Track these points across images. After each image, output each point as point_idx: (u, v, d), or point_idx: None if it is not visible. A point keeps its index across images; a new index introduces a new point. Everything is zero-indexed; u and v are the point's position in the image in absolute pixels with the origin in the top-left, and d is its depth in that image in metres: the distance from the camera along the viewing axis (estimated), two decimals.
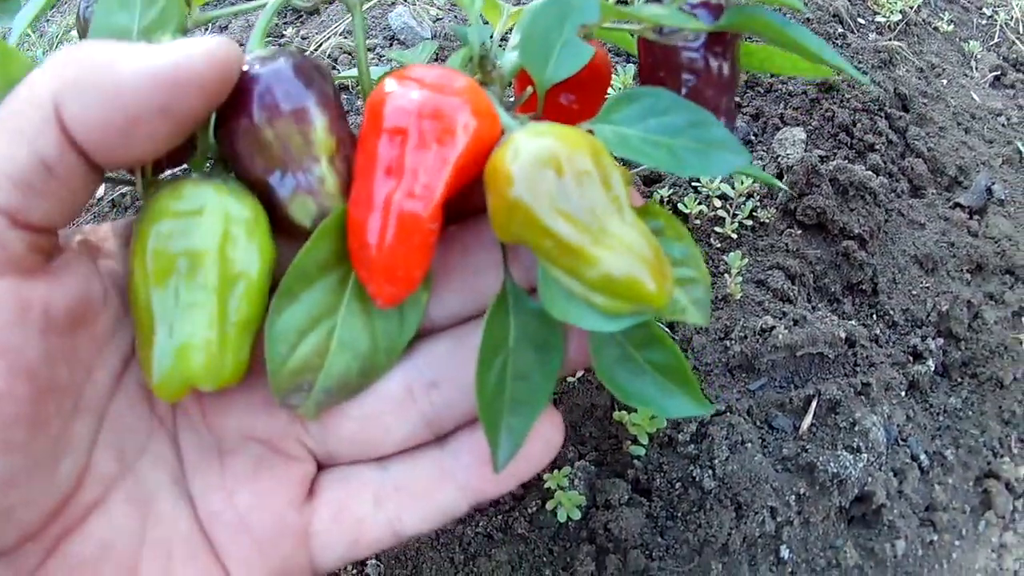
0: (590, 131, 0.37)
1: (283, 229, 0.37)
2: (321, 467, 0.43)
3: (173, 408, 0.41)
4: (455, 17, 1.30)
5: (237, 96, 0.35)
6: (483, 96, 0.36)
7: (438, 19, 1.30)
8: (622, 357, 0.38)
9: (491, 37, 0.43)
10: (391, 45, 1.28)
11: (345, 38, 1.28)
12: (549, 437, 0.41)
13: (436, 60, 1.04)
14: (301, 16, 1.44)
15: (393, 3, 1.33)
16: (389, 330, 0.40)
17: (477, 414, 0.40)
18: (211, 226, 0.34)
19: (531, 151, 0.33)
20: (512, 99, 0.45)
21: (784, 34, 0.35)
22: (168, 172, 0.41)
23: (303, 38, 1.33)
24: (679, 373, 0.38)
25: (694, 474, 0.77)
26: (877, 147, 1.06)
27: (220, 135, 0.37)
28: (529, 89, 0.40)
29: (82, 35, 0.45)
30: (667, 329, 0.86)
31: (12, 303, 0.31)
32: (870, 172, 1.01)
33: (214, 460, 0.40)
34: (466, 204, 0.39)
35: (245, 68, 0.36)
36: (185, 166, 0.39)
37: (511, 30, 0.53)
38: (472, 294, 0.42)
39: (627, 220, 0.34)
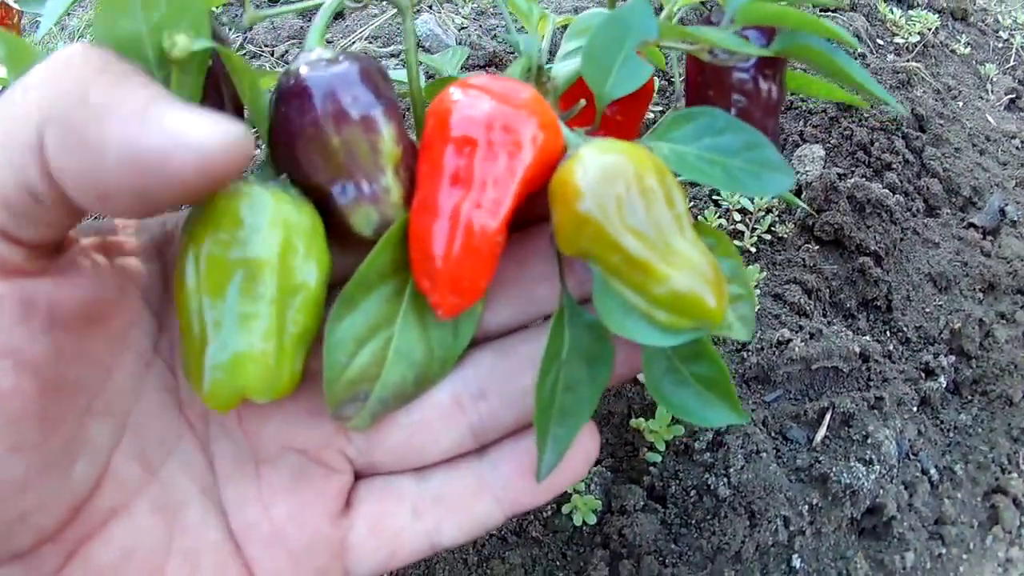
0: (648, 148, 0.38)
1: (338, 237, 0.36)
2: (358, 477, 0.42)
3: (205, 414, 0.39)
4: (480, 26, 1.32)
5: (300, 99, 0.34)
6: (548, 109, 0.36)
7: (463, 27, 1.32)
8: (669, 370, 0.39)
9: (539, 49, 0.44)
10: (417, 51, 1.29)
11: (371, 43, 1.30)
12: (588, 450, 0.41)
13: (464, 68, 1.06)
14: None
15: (419, 10, 1.35)
16: (444, 339, 0.40)
17: (522, 424, 0.41)
18: (272, 235, 0.33)
19: (601, 166, 0.34)
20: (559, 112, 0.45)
21: (833, 63, 0.36)
22: None
23: (328, 42, 1.35)
24: (721, 386, 0.38)
25: (709, 482, 0.78)
26: (894, 166, 1.07)
27: (276, 138, 0.35)
28: (581, 102, 0.41)
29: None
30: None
31: (14, 302, 0.30)
32: (887, 190, 1.03)
33: (250, 470, 0.39)
34: (524, 216, 0.39)
35: (306, 70, 0.35)
36: None
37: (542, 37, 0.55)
38: (523, 305, 0.42)
39: (688, 237, 0.34)
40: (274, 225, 0.33)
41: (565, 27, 0.51)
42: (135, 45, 0.31)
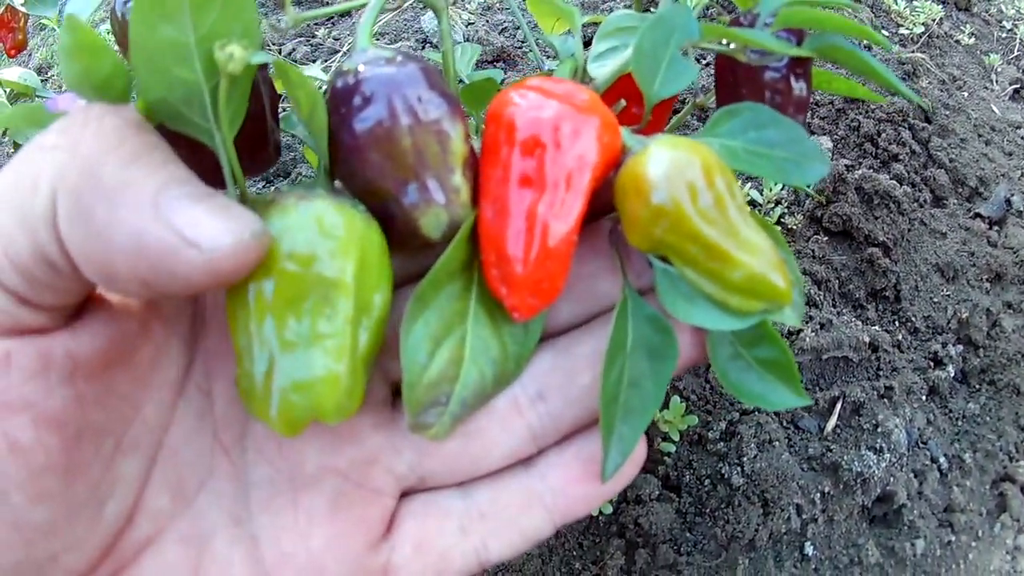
0: None
1: (397, 244, 0.35)
2: (402, 496, 0.40)
3: (242, 439, 0.38)
4: (487, 21, 1.32)
5: (363, 101, 0.33)
6: (608, 110, 0.36)
7: (470, 23, 1.32)
8: (734, 355, 0.39)
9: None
10: (423, 48, 1.30)
11: (377, 39, 1.30)
12: (636, 454, 0.39)
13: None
14: (333, 17, 1.46)
15: (425, 7, 1.35)
16: (516, 335, 0.39)
17: (582, 425, 0.40)
18: (348, 254, 0.32)
19: (673, 160, 0.35)
20: None
21: (864, 63, 0.38)
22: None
23: (335, 39, 1.35)
24: (784, 368, 0.39)
25: (723, 471, 0.79)
26: (901, 157, 1.08)
27: (334, 143, 0.34)
28: (622, 102, 0.42)
29: (117, 37, 0.41)
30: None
31: (31, 358, 0.29)
32: (894, 181, 1.03)
33: (286, 497, 0.38)
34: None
35: (367, 70, 0.34)
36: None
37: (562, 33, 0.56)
38: (583, 303, 0.41)
39: (751, 225, 0.36)
40: (350, 244, 0.32)
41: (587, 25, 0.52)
42: (178, 53, 0.29)
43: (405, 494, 0.40)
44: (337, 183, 0.36)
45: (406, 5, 1.37)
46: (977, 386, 0.97)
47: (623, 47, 0.45)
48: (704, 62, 1.20)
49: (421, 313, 0.35)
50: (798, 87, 0.42)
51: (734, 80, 0.43)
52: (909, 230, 1.04)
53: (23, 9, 0.90)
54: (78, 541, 0.32)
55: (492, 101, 0.36)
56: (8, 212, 0.27)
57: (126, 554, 0.34)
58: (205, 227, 0.27)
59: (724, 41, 0.42)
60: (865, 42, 1.23)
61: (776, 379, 0.39)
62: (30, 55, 1.62)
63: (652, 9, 0.58)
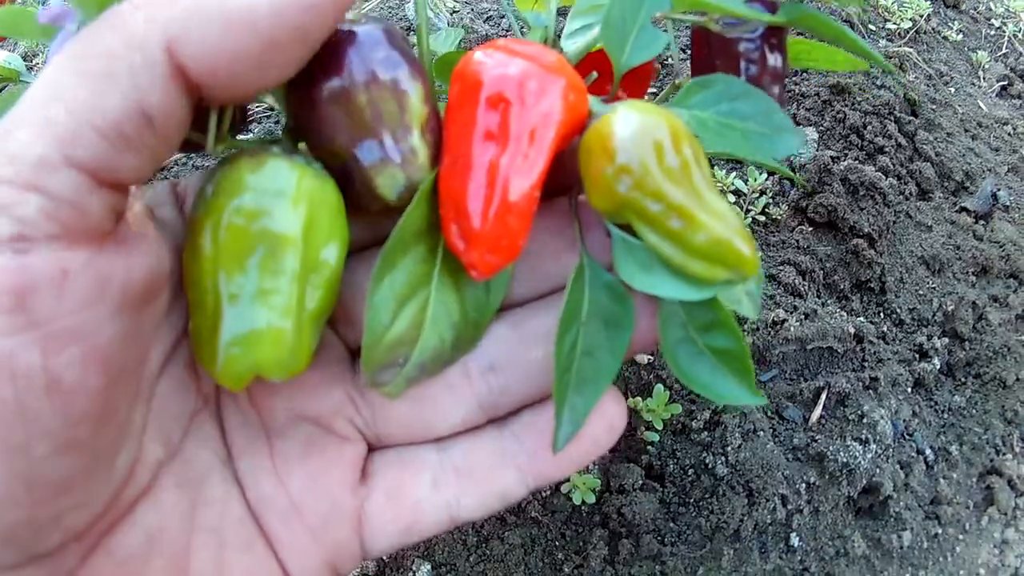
0: None
1: (356, 206, 0.35)
2: (372, 448, 0.40)
3: (217, 387, 0.38)
4: (472, 9, 1.31)
5: (324, 58, 0.33)
6: (575, 72, 0.36)
7: (455, 11, 1.32)
8: (684, 339, 0.38)
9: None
10: (408, 34, 1.29)
11: None
12: (613, 420, 0.39)
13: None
14: None
15: None
16: (478, 300, 0.38)
17: (534, 399, 0.40)
18: (296, 210, 0.32)
19: (639, 121, 0.34)
20: None
21: (838, 31, 0.37)
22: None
23: None
24: (738, 360, 0.37)
25: (707, 461, 0.78)
26: (887, 150, 1.08)
27: (295, 100, 0.34)
28: (594, 74, 0.41)
29: None
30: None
31: (90, 279, 0.27)
32: (880, 173, 1.03)
33: (262, 442, 0.38)
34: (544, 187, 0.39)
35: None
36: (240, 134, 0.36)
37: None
38: (541, 278, 0.41)
39: (716, 193, 0.35)
40: (299, 199, 0.32)
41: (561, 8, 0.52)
42: None
43: (379, 447, 0.40)
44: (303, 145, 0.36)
45: None
46: (963, 379, 0.97)
47: (596, 24, 0.45)
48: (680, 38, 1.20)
49: (387, 273, 0.35)
50: (773, 58, 0.41)
51: (708, 52, 0.42)
52: (894, 222, 1.03)
53: None
54: (88, 498, 0.30)
55: (459, 63, 0.36)
56: (93, 80, 0.26)
57: (121, 509, 0.33)
58: None
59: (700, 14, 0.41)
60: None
61: (728, 371, 0.38)
62: (16, 41, 1.61)
63: None
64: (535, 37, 0.45)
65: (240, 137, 0.38)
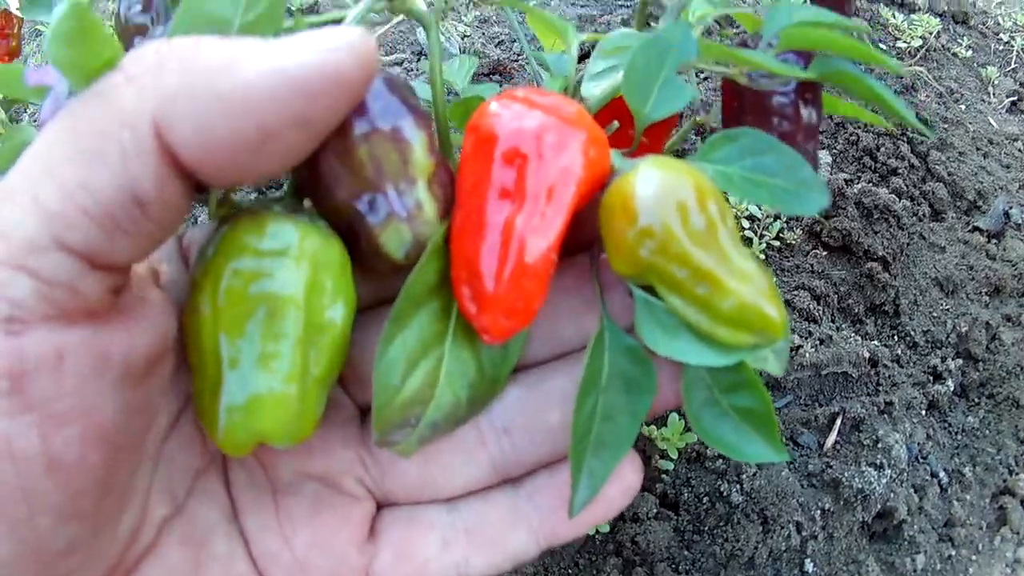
0: None
1: (363, 264, 0.34)
2: (380, 506, 0.40)
3: None
4: (483, 34, 1.33)
5: None
6: (596, 125, 0.35)
7: (466, 35, 1.33)
8: (709, 401, 0.37)
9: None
10: (419, 60, 1.30)
11: None
12: (628, 481, 0.38)
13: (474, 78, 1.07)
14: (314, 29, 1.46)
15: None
16: (494, 358, 0.37)
17: (548, 462, 0.39)
18: (298, 270, 0.31)
19: (662, 180, 0.33)
20: None
21: (871, 90, 0.36)
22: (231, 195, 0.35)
23: None
24: (762, 419, 0.36)
25: (721, 489, 0.79)
26: (899, 171, 1.08)
27: None
28: (615, 123, 0.40)
29: (121, 39, 0.39)
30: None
31: (89, 357, 0.26)
32: (893, 195, 1.04)
33: (268, 499, 0.37)
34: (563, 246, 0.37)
35: None
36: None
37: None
38: (559, 340, 0.40)
39: (743, 253, 0.34)
40: (301, 259, 0.31)
41: (586, 44, 0.51)
42: (219, 30, 0.30)
43: (388, 506, 0.40)
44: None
45: (399, 19, 1.38)
46: (976, 400, 0.97)
47: (621, 67, 0.43)
48: (703, 76, 1.20)
49: (398, 333, 0.34)
50: (807, 113, 0.40)
51: (739, 105, 0.41)
52: (908, 244, 1.04)
53: (18, 14, 0.88)
54: (94, 559, 0.30)
55: (474, 114, 0.34)
56: (84, 159, 0.25)
57: (127, 564, 0.33)
58: (338, 37, 0.26)
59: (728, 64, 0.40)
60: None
61: (752, 430, 0.37)
62: (25, 61, 1.63)
63: (653, 25, 0.57)
64: (555, 86, 0.44)
65: (244, 194, 0.37)
